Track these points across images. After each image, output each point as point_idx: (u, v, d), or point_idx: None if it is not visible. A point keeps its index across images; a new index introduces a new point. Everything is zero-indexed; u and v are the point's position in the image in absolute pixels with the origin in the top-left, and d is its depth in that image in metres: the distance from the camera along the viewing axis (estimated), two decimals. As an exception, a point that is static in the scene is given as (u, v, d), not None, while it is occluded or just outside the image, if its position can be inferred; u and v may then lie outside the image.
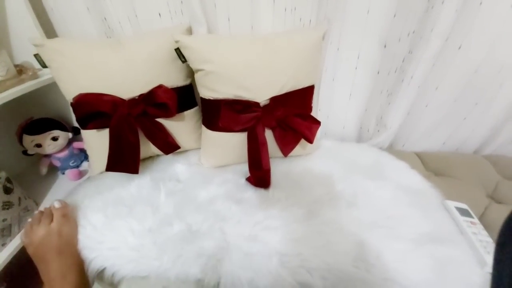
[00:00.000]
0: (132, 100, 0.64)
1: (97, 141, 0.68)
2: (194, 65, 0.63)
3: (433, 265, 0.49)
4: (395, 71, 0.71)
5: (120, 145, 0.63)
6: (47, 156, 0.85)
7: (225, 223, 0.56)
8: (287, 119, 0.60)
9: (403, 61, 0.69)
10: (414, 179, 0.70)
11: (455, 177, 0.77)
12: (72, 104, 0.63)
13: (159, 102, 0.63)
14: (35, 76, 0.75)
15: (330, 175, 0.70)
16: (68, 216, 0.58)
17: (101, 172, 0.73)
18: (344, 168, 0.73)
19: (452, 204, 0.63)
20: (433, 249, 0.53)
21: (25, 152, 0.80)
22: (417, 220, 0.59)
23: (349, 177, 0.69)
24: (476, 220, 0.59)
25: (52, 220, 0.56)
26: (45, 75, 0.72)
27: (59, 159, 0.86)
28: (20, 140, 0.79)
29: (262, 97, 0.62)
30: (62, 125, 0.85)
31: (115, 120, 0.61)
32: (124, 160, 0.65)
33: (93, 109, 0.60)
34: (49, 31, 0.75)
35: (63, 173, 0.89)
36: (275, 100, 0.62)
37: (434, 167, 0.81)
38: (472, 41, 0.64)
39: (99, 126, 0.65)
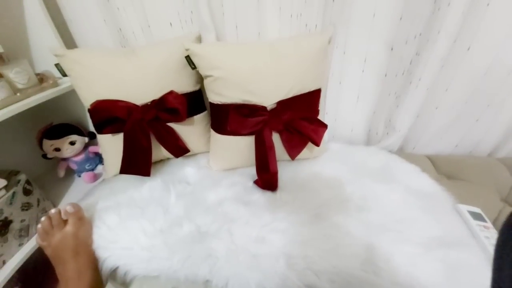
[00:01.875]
0: (145, 106, 0.67)
1: (112, 145, 0.72)
2: (203, 72, 0.65)
3: (444, 269, 0.48)
4: (403, 74, 0.71)
5: (133, 148, 0.66)
6: (65, 159, 0.89)
7: (233, 224, 0.57)
8: (293, 122, 0.61)
9: (410, 63, 0.68)
10: (424, 182, 0.69)
11: (468, 180, 0.75)
12: (89, 111, 0.67)
13: (170, 108, 0.66)
14: (55, 84, 0.80)
15: (338, 178, 0.70)
16: (83, 218, 0.61)
17: (115, 175, 0.76)
18: (353, 171, 0.72)
19: (465, 208, 0.61)
20: (445, 253, 0.51)
21: (44, 156, 0.85)
22: (428, 224, 0.57)
23: (357, 180, 0.69)
24: (489, 224, 0.58)
25: (65, 223, 0.58)
26: (64, 83, 0.77)
27: (75, 162, 0.90)
28: (40, 144, 0.84)
29: (269, 101, 0.64)
30: (79, 130, 0.89)
31: (129, 125, 0.64)
32: (137, 163, 0.67)
33: (109, 115, 0.63)
34: (68, 42, 0.80)
35: (79, 176, 0.93)
36: (282, 104, 0.64)
37: (446, 170, 0.79)
38: (480, 43, 0.63)
39: (114, 131, 0.68)
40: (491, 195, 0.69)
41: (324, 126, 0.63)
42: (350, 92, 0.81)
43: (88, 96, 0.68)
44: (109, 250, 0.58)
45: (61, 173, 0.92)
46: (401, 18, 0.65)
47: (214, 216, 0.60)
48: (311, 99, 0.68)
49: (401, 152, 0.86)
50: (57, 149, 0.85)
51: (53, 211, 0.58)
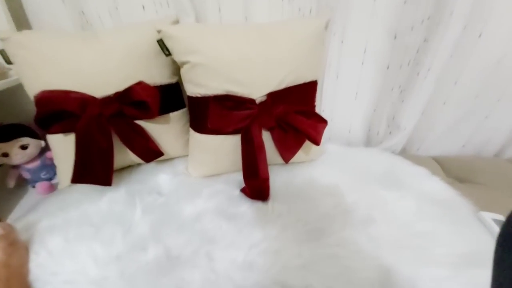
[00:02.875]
0: (106, 99, 0.54)
1: (64, 148, 0.58)
2: (179, 57, 0.54)
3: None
4: (408, 64, 0.63)
5: (89, 151, 0.53)
6: (16, 167, 0.75)
7: (214, 246, 0.45)
8: (288, 117, 0.51)
9: (417, 52, 0.61)
10: (437, 187, 0.60)
11: (481, 183, 0.67)
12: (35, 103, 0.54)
13: (138, 100, 0.54)
14: (3, 76, 0.67)
15: (338, 185, 0.59)
16: (17, 242, 0.47)
17: (70, 185, 0.62)
18: (355, 176, 0.62)
19: (489, 216, 0.52)
20: (475, 273, 0.41)
21: None
22: (450, 238, 0.48)
23: (361, 186, 0.59)
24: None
25: None
26: (16, 75, 0.63)
27: (28, 170, 0.76)
28: (-15, 149, 0.69)
29: (258, 93, 0.53)
30: (33, 132, 0.75)
31: (84, 121, 0.51)
32: (94, 169, 0.54)
33: (57, 108, 0.50)
34: (25, 26, 0.67)
35: (33, 187, 0.78)
36: (273, 96, 0.53)
37: (456, 173, 0.71)
38: (493, 28, 0.56)
39: (65, 129, 0.55)
40: (508, 198, 0.61)
41: (324, 121, 0.53)
42: (348, 88, 0.72)
43: (35, 87, 0.55)
44: (49, 283, 0.44)
45: (11, 183, 0.77)
46: (405, 2, 0.58)
47: (189, 235, 0.47)
48: (306, 91, 0.58)
49: (404, 153, 0.78)
50: (5, 154, 0.71)
51: None
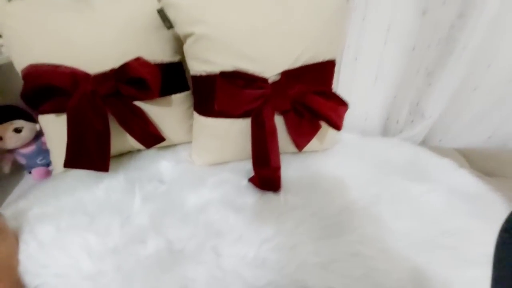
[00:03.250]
0: (100, 75, 0.49)
1: (56, 130, 0.53)
2: (182, 29, 0.48)
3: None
4: (438, 43, 0.57)
5: (82, 133, 0.48)
6: (11, 151, 0.71)
7: (220, 240, 0.40)
8: (305, 98, 0.45)
9: (450, 28, 0.54)
10: (467, 180, 0.54)
11: (508, 177, 0.61)
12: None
13: (136, 78, 0.48)
14: (-6, 52, 0.62)
15: (358, 176, 0.54)
16: (4, 230, 0.42)
17: (65, 171, 0.58)
18: (374, 167, 0.57)
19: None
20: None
21: None
22: (486, 236, 0.42)
23: (383, 178, 0.53)
24: None
25: None
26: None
27: (24, 155, 0.72)
28: (-23, 132, 0.65)
29: (271, 71, 0.47)
30: (28, 115, 0.71)
31: (76, 99, 0.46)
32: (88, 153, 0.49)
33: (45, 83, 0.45)
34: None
35: (30, 172, 0.75)
36: (287, 75, 0.47)
37: (482, 166, 0.65)
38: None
39: (56, 109, 0.50)
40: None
41: (345, 104, 0.47)
42: (367, 71, 0.66)
43: (24, 61, 0.50)
44: (40, 276, 0.39)
45: (6, 168, 0.74)
46: (439, -30, 0.51)
47: (193, 227, 0.42)
48: (324, 72, 0.52)
49: (424, 145, 0.72)
50: (-1, 138, 0.67)
51: None
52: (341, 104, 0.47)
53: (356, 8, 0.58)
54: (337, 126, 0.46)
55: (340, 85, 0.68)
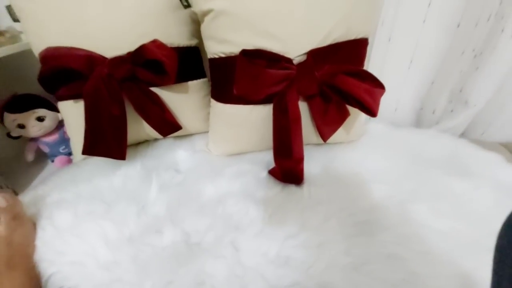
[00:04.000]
0: (116, 59, 0.47)
1: (75, 116, 0.52)
2: (200, 6, 0.44)
3: None
4: (488, 20, 0.49)
5: (99, 118, 0.46)
6: (34, 140, 0.73)
7: (239, 234, 0.37)
8: (335, 79, 0.40)
9: (501, 3, 0.46)
10: (518, 177, 0.47)
11: None
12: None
13: (152, 61, 0.46)
14: (14, 39, 0.63)
15: (389, 170, 0.49)
16: (21, 216, 0.42)
17: (85, 159, 0.57)
18: (408, 160, 0.51)
19: None
20: None
21: (9, 135, 0.68)
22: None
23: (419, 173, 0.47)
24: None
25: None
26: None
27: (47, 144, 0.74)
28: (1, 119, 0.67)
29: (296, 51, 0.43)
30: (50, 104, 0.71)
31: (92, 82, 0.44)
32: (106, 140, 0.48)
33: (61, 65, 0.44)
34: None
35: (53, 161, 0.76)
36: (315, 54, 0.42)
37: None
38: None
39: (73, 93, 0.49)
40: None
41: (382, 87, 0.42)
42: (402, 53, 0.59)
43: (41, 44, 0.49)
44: (55, 264, 0.39)
45: (30, 156, 0.76)
46: None
47: (212, 219, 0.40)
48: (356, 52, 0.46)
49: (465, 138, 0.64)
50: (21, 126, 0.68)
51: None
52: (378, 86, 0.41)
53: (393, -19, 0.51)
54: (372, 111, 0.41)
55: (370, 69, 0.62)
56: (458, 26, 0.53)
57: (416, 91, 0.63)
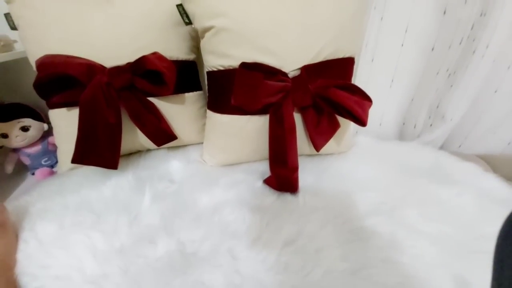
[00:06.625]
0: (116, 68, 0.48)
1: (66, 125, 0.51)
2: (201, 23, 0.47)
3: None
4: (460, 43, 0.55)
5: (94, 126, 0.46)
6: (15, 151, 0.69)
7: (237, 242, 0.37)
8: (328, 91, 0.43)
9: (472, 28, 0.53)
10: (496, 185, 0.51)
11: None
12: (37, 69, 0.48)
13: (152, 72, 0.47)
14: (8, 47, 0.62)
15: (378, 179, 0.51)
16: (6, 226, 0.39)
17: (71, 169, 0.55)
18: (396, 170, 0.54)
19: None
20: None
21: None
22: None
23: (406, 181, 0.50)
24: None
25: None
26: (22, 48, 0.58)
27: (29, 155, 0.70)
28: (-16, 128, 0.64)
29: (291, 65, 0.46)
30: (36, 114, 0.70)
31: (90, 91, 0.44)
32: (99, 148, 0.47)
33: (59, 71, 0.44)
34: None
35: (33, 174, 0.72)
36: (308, 70, 0.46)
37: (506, 172, 0.61)
38: None
39: (68, 101, 0.48)
40: None
41: (369, 100, 0.45)
42: (384, 73, 0.64)
43: (39, 53, 0.49)
44: (38, 279, 0.36)
45: (9, 168, 0.72)
46: (459, -30, 0.51)
47: (208, 228, 0.39)
48: (344, 69, 0.50)
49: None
50: (4, 135, 0.66)
51: None
52: (366, 99, 0.45)
53: (375, 7, 0.57)
54: (362, 121, 0.44)
55: (356, 87, 0.66)
56: (433, 49, 0.59)
57: (398, 107, 0.68)
